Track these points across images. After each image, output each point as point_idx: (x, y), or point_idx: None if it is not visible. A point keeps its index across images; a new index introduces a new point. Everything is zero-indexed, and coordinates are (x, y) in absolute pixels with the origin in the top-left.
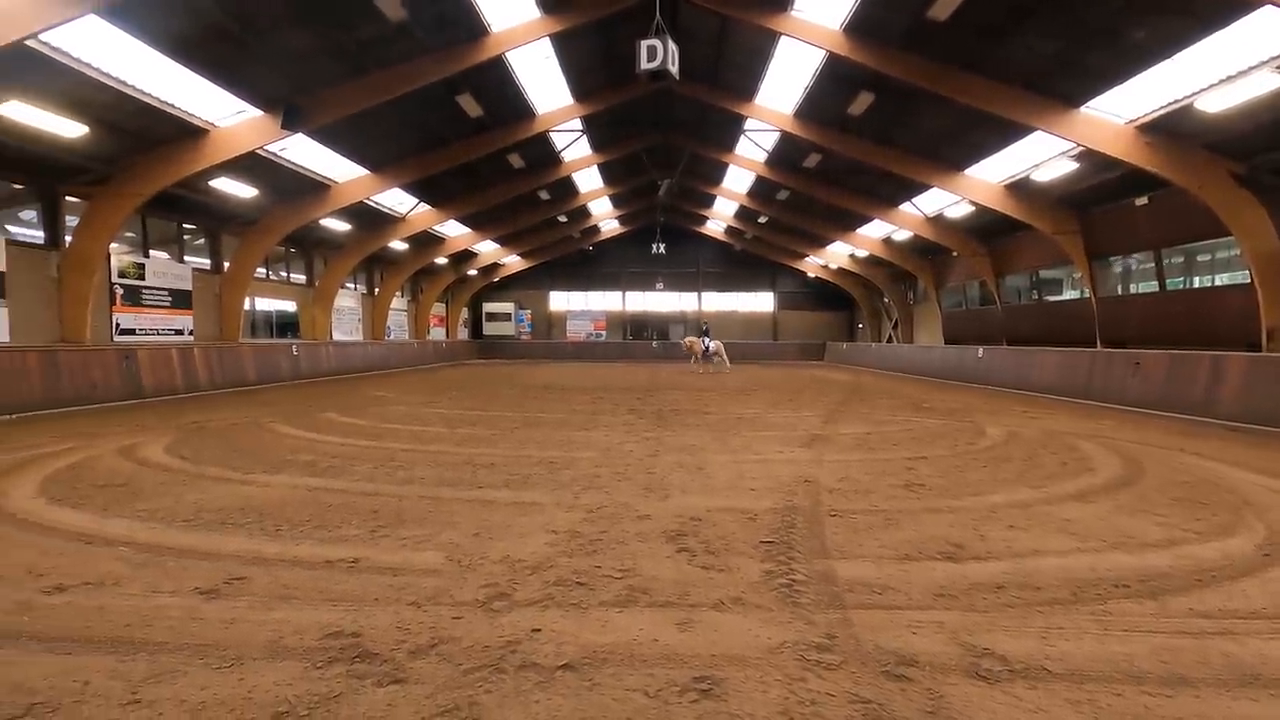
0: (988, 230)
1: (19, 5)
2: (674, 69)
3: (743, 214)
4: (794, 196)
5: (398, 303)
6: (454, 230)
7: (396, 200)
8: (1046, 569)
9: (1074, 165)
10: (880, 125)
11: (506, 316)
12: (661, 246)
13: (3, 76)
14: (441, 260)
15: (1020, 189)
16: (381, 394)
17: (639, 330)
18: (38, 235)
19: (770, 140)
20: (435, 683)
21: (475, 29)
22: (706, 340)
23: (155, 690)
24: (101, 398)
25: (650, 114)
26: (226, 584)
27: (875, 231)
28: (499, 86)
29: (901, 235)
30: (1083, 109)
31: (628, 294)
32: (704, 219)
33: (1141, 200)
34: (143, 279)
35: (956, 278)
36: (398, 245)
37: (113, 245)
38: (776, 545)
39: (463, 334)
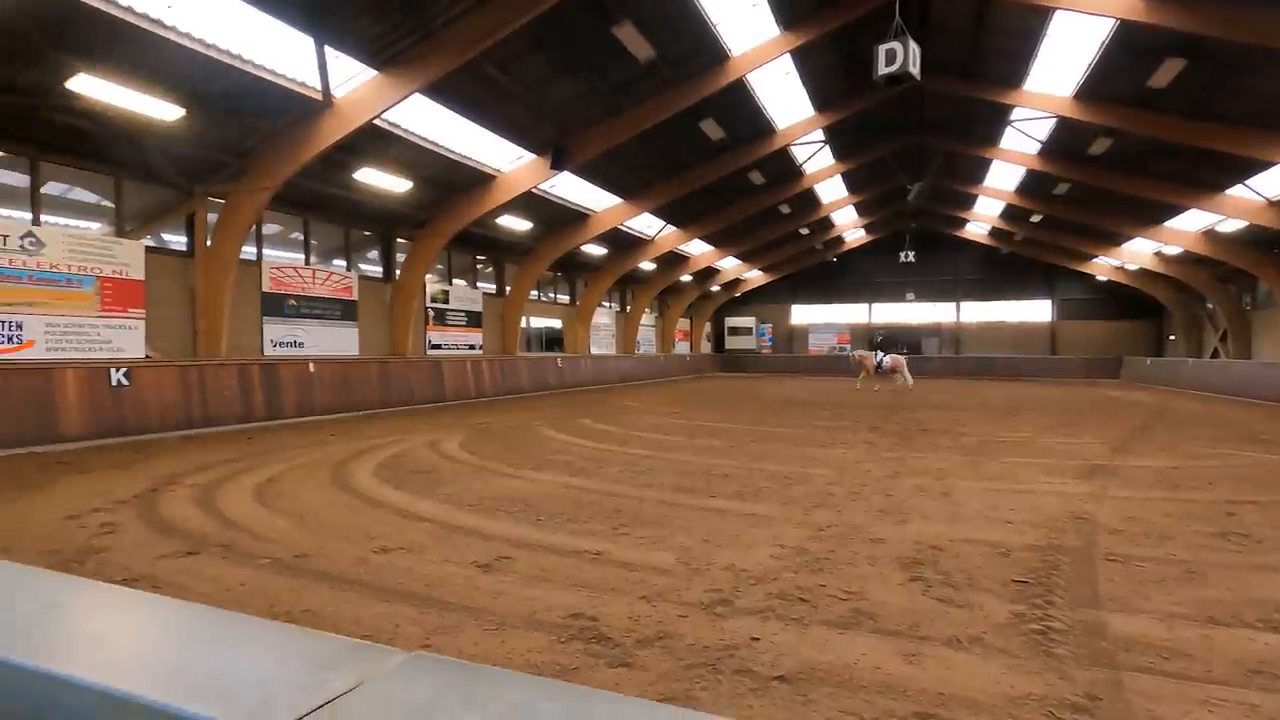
0: None
1: (370, 93)
2: (915, 70)
3: (1010, 213)
4: (1076, 189)
5: (646, 319)
6: (697, 249)
7: (646, 224)
8: None
9: None
10: (1194, 95)
11: (748, 330)
12: (911, 254)
13: (359, 148)
14: (686, 278)
15: None
16: (630, 404)
17: (887, 344)
18: (377, 270)
19: (1044, 129)
20: (658, 672)
21: (716, 56)
22: (880, 354)
23: (441, 640)
24: (417, 400)
25: (898, 116)
26: (497, 561)
27: (1191, 223)
28: (739, 108)
29: (1230, 226)
30: None
31: (874, 305)
32: (962, 221)
33: None
34: (447, 303)
35: None
36: (646, 265)
37: (427, 276)
38: (1032, 586)
39: (705, 348)
